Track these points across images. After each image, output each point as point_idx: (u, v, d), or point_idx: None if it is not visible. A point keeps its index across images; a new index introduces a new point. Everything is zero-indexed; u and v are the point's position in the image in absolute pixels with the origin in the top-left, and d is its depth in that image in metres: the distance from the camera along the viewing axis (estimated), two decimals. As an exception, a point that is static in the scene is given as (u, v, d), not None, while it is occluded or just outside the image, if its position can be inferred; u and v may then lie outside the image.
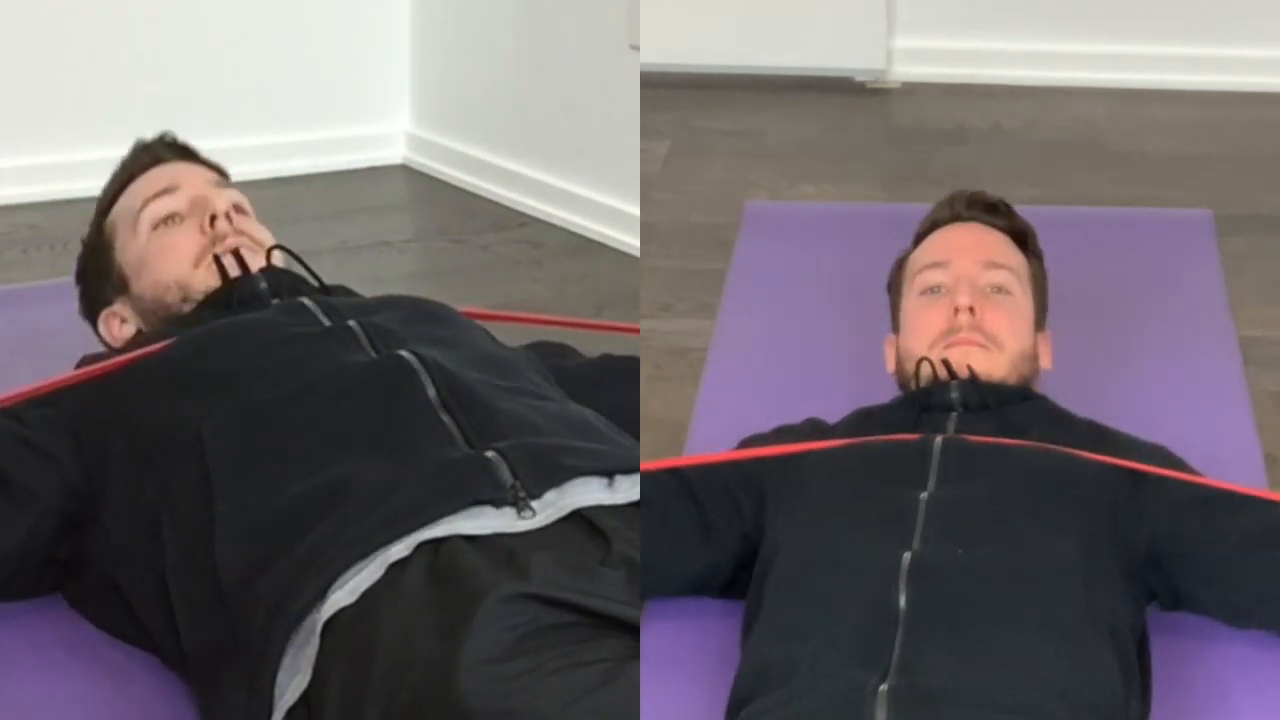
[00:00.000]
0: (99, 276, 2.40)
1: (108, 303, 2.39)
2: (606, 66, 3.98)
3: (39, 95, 4.12)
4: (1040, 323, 2.44)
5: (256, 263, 2.33)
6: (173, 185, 2.38)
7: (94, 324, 2.41)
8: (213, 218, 2.33)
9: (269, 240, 2.38)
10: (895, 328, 2.46)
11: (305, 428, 2.01)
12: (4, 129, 4.09)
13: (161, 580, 1.98)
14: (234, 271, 2.30)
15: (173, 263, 2.32)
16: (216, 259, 2.30)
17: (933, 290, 2.38)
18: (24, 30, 4.08)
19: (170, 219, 2.35)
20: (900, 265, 2.47)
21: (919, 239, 2.48)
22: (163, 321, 2.32)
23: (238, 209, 2.39)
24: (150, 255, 2.34)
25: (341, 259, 3.84)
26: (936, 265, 2.39)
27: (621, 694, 1.70)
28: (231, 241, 2.32)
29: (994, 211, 2.46)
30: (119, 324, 2.38)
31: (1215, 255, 3.20)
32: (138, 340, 2.30)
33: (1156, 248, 3.22)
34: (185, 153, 2.48)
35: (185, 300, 2.31)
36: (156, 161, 2.44)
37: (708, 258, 3.34)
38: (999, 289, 2.37)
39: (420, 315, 2.26)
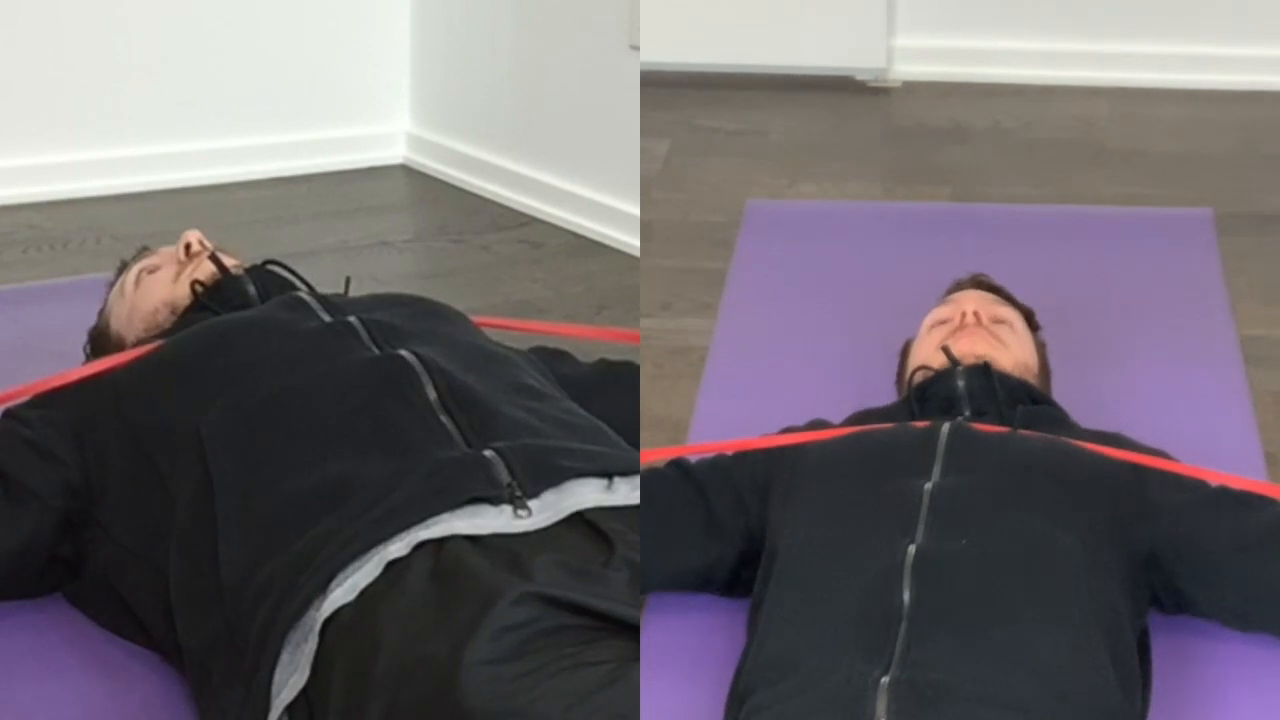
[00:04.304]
0: (103, 351, 2.42)
1: None
2: (606, 66, 3.97)
3: (39, 95, 4.11)
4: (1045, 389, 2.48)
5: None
6: (152, 251, 2.47)
7: None
8: (187, 246, 2.41)
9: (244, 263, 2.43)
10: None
11: (305, 427, 2.02)
12: (4, 129, 4.08)
13: (162, 577, 1.98)
14: (209, 276, 2.35)
15: (155, 290, 2.39)
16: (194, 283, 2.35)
17: (941, 322, 2.46)
18: (24, 30, 4.08)
19: (150, 270, 2.42)
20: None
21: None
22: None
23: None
24: (136, 300, 2.40)
25: (341, 259, 3.83)
26: (943, 307, 2.49)
27: (624, 695, 1.70)
28: (206, 252, 2.39)
29: (997, 290, 2.55)
30: None
31: (1216, 254, 3.20)
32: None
33: (1157, 246, 3.22)
34: None
35: (174, 314, 2.35)
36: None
37: (708, 256, 3.34)
38: (1004, 321, 2.46)
39: (421, 312, 2.27)
